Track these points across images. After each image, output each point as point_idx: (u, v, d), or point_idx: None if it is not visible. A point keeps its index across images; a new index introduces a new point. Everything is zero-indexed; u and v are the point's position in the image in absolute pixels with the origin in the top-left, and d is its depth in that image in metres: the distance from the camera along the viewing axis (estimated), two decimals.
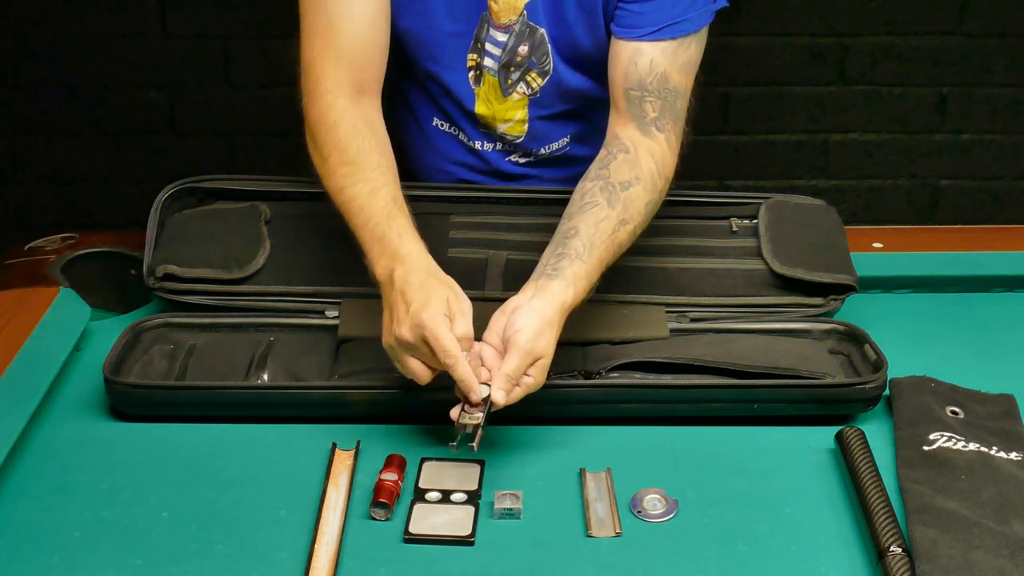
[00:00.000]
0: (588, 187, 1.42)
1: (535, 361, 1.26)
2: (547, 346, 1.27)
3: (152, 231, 1.59)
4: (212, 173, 1.69)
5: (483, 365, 1.27)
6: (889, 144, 3.06)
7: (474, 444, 1.22)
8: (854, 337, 1.50)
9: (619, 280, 1.51)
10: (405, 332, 1.25)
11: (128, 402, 1.38)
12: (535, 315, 1.27)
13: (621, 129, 1.47)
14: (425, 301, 1.25)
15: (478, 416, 1.23)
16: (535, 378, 1.27)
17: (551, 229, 1.57)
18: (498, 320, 1.29)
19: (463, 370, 1.23)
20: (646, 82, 1.45)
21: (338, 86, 1.45)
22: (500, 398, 1.24)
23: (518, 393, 1.26)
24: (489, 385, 1.25)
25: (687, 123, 1.49)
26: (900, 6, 2.91)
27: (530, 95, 1.59)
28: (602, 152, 1.47)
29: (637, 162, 1.43)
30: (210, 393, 1.38)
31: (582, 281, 1.32)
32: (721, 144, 3.05)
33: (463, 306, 1.27)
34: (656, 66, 1.45)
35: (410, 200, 1.64)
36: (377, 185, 1.38)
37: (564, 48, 1.55)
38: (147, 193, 1.66)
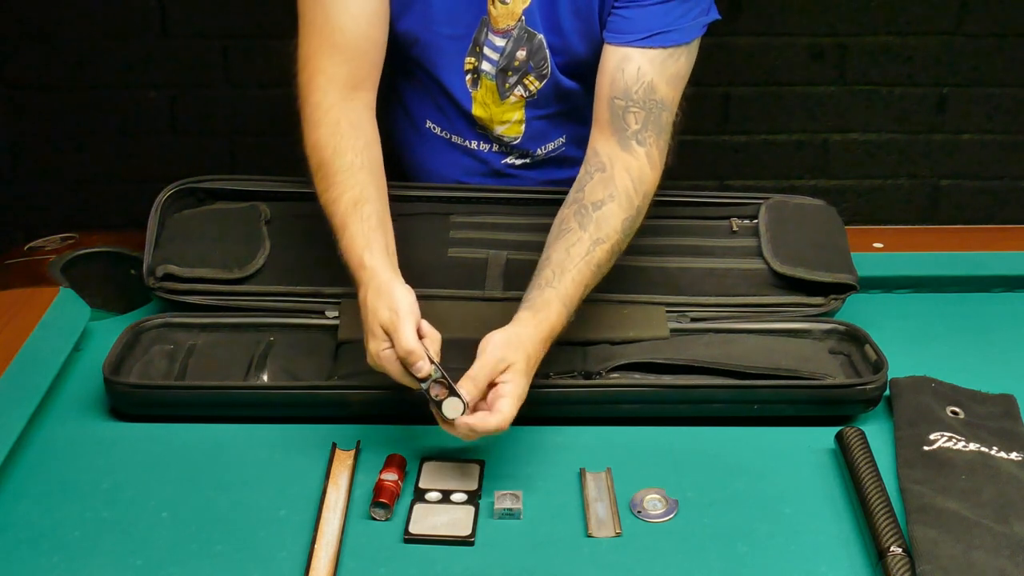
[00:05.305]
0: (565, 213, 1.41)
1: (506, 368, 1.24)
2: (521, 360, 1.24)
3: (152, 231, 1.59)
4: (212, 173, 1.69)
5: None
6: (889, 144, 3.06)
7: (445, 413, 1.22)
8: (854, 337, 1.50)
9: (619, 280, 1.50)
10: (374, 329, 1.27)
11: (128, 402, 1.38)
12: (505, 333, 1.27)
13: (601, 144, 1.44)
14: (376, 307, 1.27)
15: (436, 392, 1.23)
16: (513, 383, 1.23)
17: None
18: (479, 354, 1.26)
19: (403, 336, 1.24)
20: (632, 91, 1.43)
21: (331, 83, 1.45)
22: (463, 395, 1.22)
23: (506, 404, 1.22)
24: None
25: (673, 137, 1.47)
26: (900, 6, 2.91)
27: (527, 97, 1.59)
28: (580, 171, 1.45)
29: (612, 180, 1.41)
30: (210, 393, 1.38)
31: (553, 305, 1.31)
32: (721, 144, 3.05)
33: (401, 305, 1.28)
34: (643, 75, 1.43)
35: (410, 200, 1.65)
36: (340, 192, 1.37)
37: (560, 54, 1.54)
38: (147, 193, 1.66)
